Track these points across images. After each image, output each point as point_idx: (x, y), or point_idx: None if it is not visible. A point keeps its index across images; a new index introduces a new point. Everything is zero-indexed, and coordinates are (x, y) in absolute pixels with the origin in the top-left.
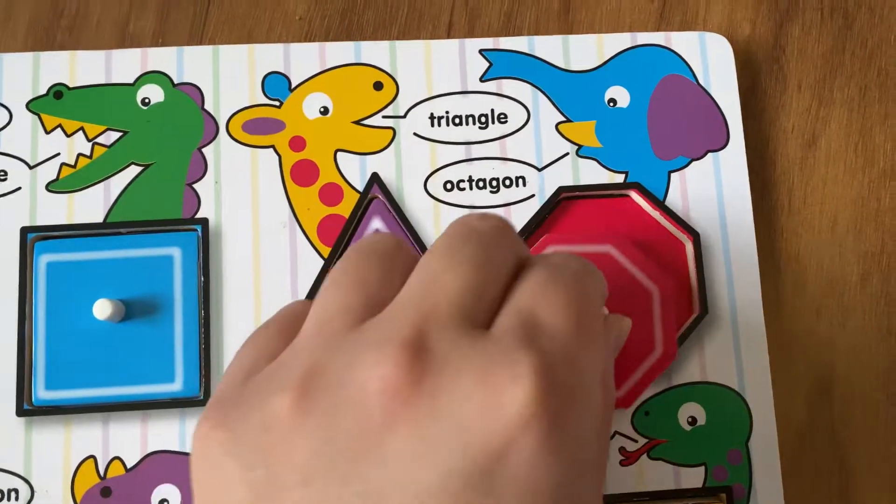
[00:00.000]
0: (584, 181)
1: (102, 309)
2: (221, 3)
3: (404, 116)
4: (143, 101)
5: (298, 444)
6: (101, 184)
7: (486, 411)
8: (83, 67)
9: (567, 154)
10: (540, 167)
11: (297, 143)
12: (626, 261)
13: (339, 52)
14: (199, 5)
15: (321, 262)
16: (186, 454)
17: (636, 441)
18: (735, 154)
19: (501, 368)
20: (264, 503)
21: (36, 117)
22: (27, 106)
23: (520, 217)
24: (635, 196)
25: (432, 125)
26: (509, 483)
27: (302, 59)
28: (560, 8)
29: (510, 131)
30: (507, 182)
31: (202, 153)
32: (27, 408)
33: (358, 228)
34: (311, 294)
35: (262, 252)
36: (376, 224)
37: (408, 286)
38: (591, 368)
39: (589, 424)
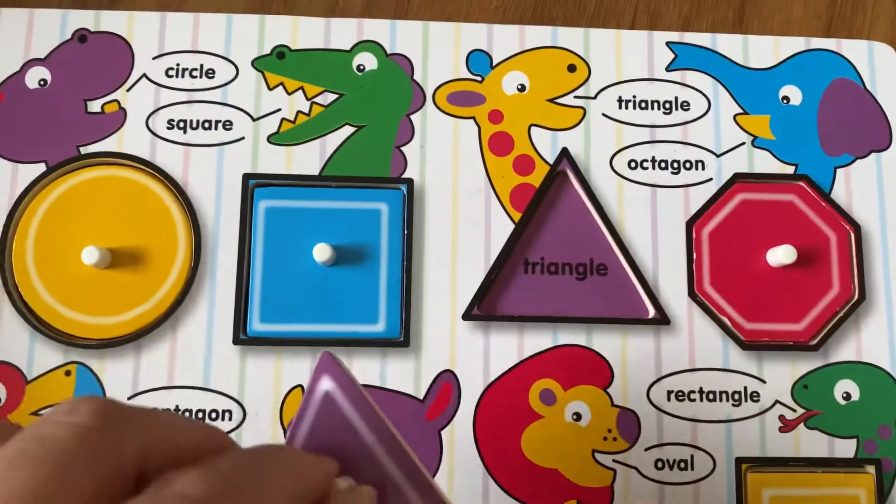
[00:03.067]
0: (757, 170)
1: (322, 252)
2: None
3: (594, 98)
4: (357, 68)
5: None
6: (318, 140)
7: None
8: (304, 32)
9: (743, 143)
10: (718, 153)
11: (496, 116)
12: (807, 209)
13: (538, 35)
14: None
15: (511, 226)
16: (388, 389)
17: (794, 411)
18: None
19: None
20: None
21: (260, 74)
22: (252, 63)
23: (697, 198)
24: (804, 186)
25: (620, 107)
26: None
27: (503, 39)
28: (735, 17)
29: (692, 118)
30: (688, 165)
31: (410, 119)
32: (242, 338)
33: (545, 198)
34: (502, 256)
35: (459, 212)
36: (564, 195)
37: None
38: None
39: None
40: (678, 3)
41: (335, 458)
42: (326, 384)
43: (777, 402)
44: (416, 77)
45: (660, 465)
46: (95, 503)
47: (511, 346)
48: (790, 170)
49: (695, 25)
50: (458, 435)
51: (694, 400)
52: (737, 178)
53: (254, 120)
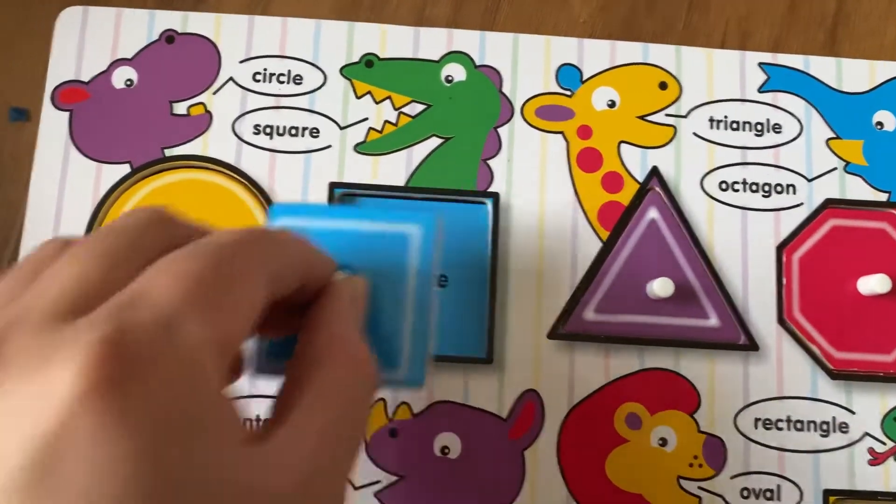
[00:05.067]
0: (849, 196)
1: None
2: (513, 0)
3: (685, 116)
4: (446, 79)
5: None
6: (405, 151)
7: (37, 401)
8: (393, 40)
9: (835, 169)
10: (809, 178)
11: (585, 132)
12: None
13: (629, 51)
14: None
15: (599, 244)
16: (469, 406)
17: (884, 444)
18: None
19: (58, 353)
20: None
21: (348, 82)
22: (341, 71)
23: (787, 222)
24: None
25: (711, 127)
26: (73, 470)
27: (594, 54)
28: (826, 39)
29: (783, 141)
30: (779, 188)
31: (497, 132)
32: None
33: (633, 216)
34: (589, 274)
35: (546, 229)
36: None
37: (29, 287)
38: (192, 339)
39: (183, 398)
40: (769, 24)
41: None
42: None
43: (866, 434)
44: (504, 89)
45: (746, 493)
46: (143, 260)
47: (597, 367)
48: (883, 197)
49: (785, 47)
50: (542, 455)
51: (781, 429)
52: (828, 203)
53: (341, 128)
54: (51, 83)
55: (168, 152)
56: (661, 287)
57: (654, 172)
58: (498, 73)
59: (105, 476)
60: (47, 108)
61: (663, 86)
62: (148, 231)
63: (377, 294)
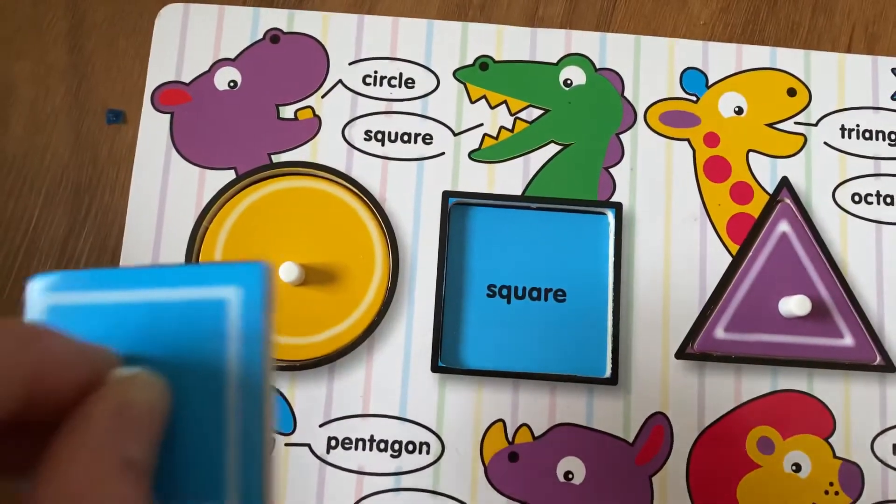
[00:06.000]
0: None
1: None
2: (629, 0)
3: (816, 125)
4: (565, 82)
5: None
6: (521, 158)
7: None
8: (509, 42)
9: None
10: None
11: (712, 139)
12: None
13: (755, 54)
14: (606, 0)
15: (728, 258)
16: (593, 430)
17: None
18: None
19: None
20: None
21: (462, 86)
22: (454, 74)
23: None
24: None
25: (843, 136)
26: None
27: (719, 57)
28: None
29: None
30: None
31: (619, 139)
32: (441, 365)
33: (764, 229)
34: (718, 290)
35: (671, 241)
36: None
37: None
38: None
39: None
40: None
41: None
42: None
43: None
44: (626, 94)
45: None
46: None
47: (727, 389)
48: None
49: None
50: (671, 481)
51: None
52: None
53: (455, 134)
54: (150, 84)
55: (275, 158)
56: (798, 305)
57: (785, 183)
58: (619, 76)
59: None
60: (147, 110)
61: (792, 92)
62: None
63: (183, 397)
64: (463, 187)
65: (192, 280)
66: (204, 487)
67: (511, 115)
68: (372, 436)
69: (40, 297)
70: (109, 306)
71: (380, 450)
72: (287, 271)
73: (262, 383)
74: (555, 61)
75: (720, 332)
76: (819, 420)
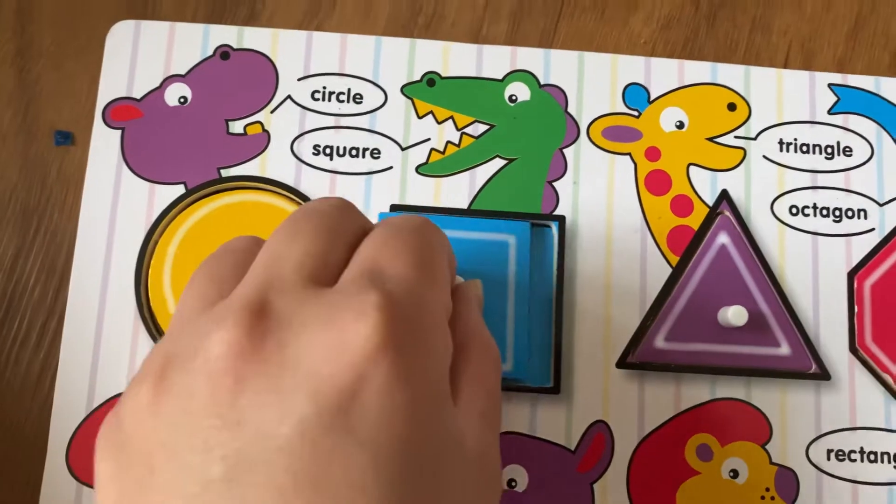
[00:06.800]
0: None
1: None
2: (571, 18)
3: (755, 139)
4: (510, 98)
5: (158, 425)
6: (468, 172)
7: (331, 352)
8: (455, 59)
9: None
10: (881, 202)
11: (653, 154)
12: None
13: (696, 70)
14: (549, 18)
15: (669, 270)
16: (536, 438)
17: None
18: None
19: (345, 311)
20: (132, 496)
21: (409, 102)
22: (402, 90)
23: (859, 248)
24: None
25: (781, 150)
26: (366, 416)
27: (661, 73)
28: (891, 61)
29: (854, 164)
30: (850, 213)
31: (563, 153)
32: None
33: (704, 241)
34: (659, 301)
35: (613, 253)
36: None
37: (254, 264)
38: (436, 308)
39: (436, 359)
40: (832, 45)
41: None
42: None
43: None
44: (570, 109)
45: None
46: (350, 238)
47: (667, 397)
48: None
49: (849, 68)
50: (611, 488)
51: (854, 460)
52: None
53: (402, 149)
54: (102, 100)
55: (224, 172)
56: (735, 315)
57: (724, 196)
58: (563, 92)
59: (391, 420)
60: (98, 126)
61: (732, 107)
62: (344, 214)
63: (493, 298)
64: (410, 201)
65: (490, 229)
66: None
67: (458, 130)
68: None
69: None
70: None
71: None
72: None
73: (527, 289)
74: (500, 77)
75: (660, 342)
76: (756, 427)
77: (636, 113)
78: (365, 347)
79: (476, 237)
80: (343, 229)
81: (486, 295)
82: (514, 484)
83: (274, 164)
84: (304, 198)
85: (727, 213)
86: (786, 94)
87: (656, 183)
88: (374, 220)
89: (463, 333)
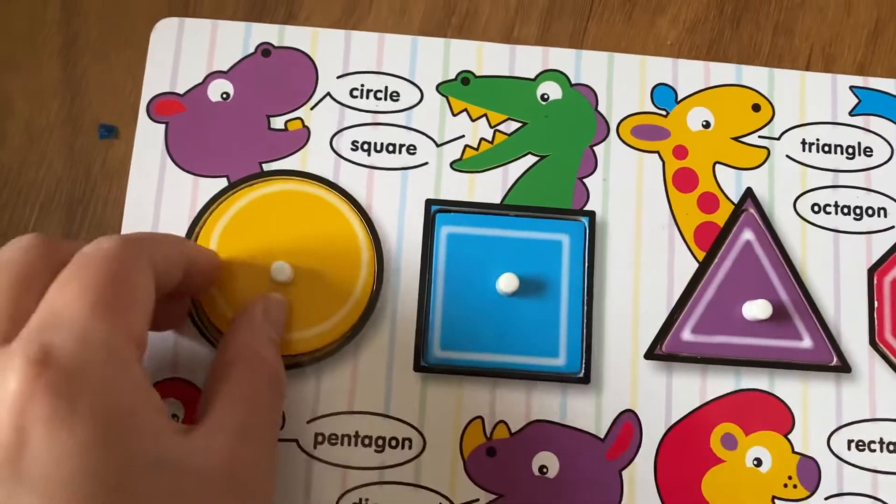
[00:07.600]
0: None
1: (508, 283)
2: (600, 20)
3: (778, 138)
4: (542, 97)
5: None
6: (500, 168)
7: None
8: (489, 58)
9: None
10: None
11: (680, 152)
12: None
13: (722, 72)
14: (579, 20)
15: (695, 265)
16: (566, 426)
17: None
18: None
19: (3, 371)
20: None
21: (444, 99)
22: (437, 88)
23: (879, 245)
24: None
25: (803, 150)
26: (37, 462)
27: (688, 74)
28: None
29: (875, 164)
30: (870, 211)
31: (593, 151)
32: (423, 364)
33: (729, 237)
34: (686, 294)
35: (642, 248)
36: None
37: None
38: (115, 341)
39: (118, 392)
40: (853, 48)
41: None
42: None
43: None
44: (600, 108)
45: None
46: (41, 283)
47: (693, 388)
48: None
49: (869, 71)
50: (639, 475)
51: (874, 451)
52: None
53: (437, 145)
54: (146, 94)
55: (266, 167)
56: (760, 309)
57: (749, 194)
58: (593, 91)
59: (59, 462)
60: (143, 120)
61: (756, 108)
62: (36, 258)
63: (533, 293)
64: (445, 196)
65: (543, 228)
66: (546, 347)
67: (491, 127)
68: (357, 432)
69: (444, 227)
70: (490, 237)
71: (364, 445)
72: (279, 271)
73: (580, 289)
74: (532, 77)
75: (687, 335)
76: (779, 417)
77: (664, 112)
78: (15, 402)
79: (530, 236)
80: (36, 274)
81: (538, 293)
82: (545, 470)
83: (314, 159)
84: (343, 192)
85: (751, 211)
86: (808, 96)
87: (684, 180)
88: (414, 213)
89: (230, 351)
